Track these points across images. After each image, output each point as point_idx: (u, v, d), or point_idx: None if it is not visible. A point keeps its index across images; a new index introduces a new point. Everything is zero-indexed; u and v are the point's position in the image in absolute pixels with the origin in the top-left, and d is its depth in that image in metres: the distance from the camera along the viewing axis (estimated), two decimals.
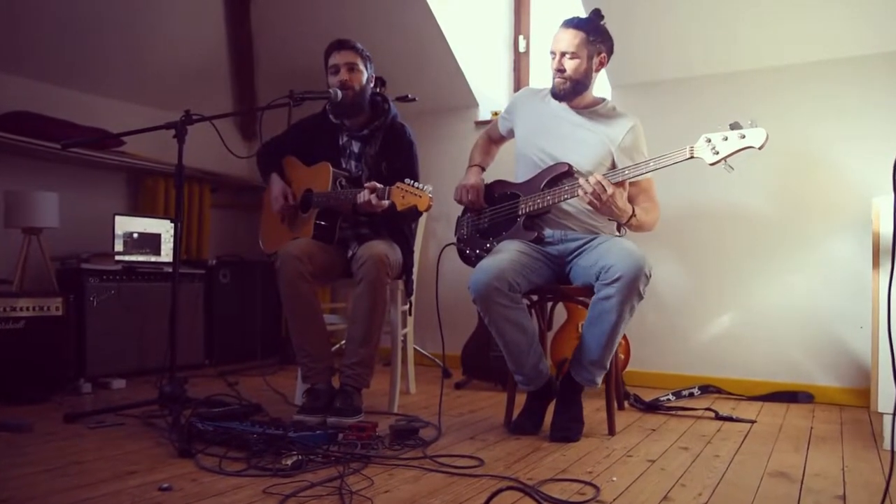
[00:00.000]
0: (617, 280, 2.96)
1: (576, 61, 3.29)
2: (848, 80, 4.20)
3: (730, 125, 2.89)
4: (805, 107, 4.30)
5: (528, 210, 3.36)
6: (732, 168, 2.88)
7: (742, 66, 4.46)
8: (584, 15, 3.40)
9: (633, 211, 3.12)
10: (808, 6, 4.11)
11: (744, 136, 2.85)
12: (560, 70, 3.31)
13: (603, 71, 4.72)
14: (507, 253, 3.22)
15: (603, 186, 3.00)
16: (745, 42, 4.38)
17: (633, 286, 2.96)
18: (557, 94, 3.38)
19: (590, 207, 3.22)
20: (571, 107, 3.42)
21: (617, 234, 3.49)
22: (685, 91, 4.63)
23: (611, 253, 3.06)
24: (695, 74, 4.61)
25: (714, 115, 2.93)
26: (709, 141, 2.91)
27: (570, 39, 3.27)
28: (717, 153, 2.89)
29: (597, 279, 3.05)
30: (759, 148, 2.83)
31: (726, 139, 2.88)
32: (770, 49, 4.34)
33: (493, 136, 3.86)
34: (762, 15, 4.22)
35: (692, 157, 2.95)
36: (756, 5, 4.21)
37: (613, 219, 3.20)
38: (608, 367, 3.22)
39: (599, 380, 3.22)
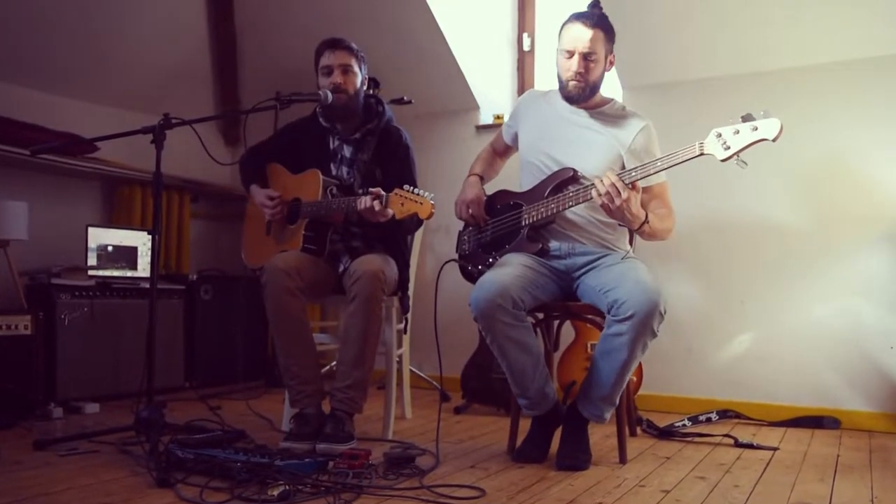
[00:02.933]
0: (629, 318, 2.96)
1: (596, 64, 3.32)
2: (878, 80, 4.22)
3: (741, 117, 2.89)
4: (833, 110, 4.32)
5: (531, 220, 3.37)
6: (746, 164, 2.88)
7: (764, 67, 4.48)
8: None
9: (647, 217, 3.12)
10: (835, 3, 4.14)
11: (756, 129, 2.84)
12: (581, 72, 3.32)
13: (613, 71, 4.77)
14: (511, 267, 3.23)
15: (618, 189, 2.99)
16: (768, 41, 4.40)
17: (647, 325, 2.96)
18: (573, 98, 3.40)
19: (600, 216, 3.24)
20: (579, 108, 3.44)
21: (629, 248, 3.50)
22: (701, 93, 4.66)
23: (624, 283, 3.05)
24: (712, 75, 4.63)
25: (733, 119, 2.93)
26: (719, 135, 2.91)
27: (594, 40, 3.28)
28: (729, 148, 2.88)
29: (608, 312, 3.07)
30: (773, 140, 2.82)
31: (738, 132, 2.88)
32: (795, 48, 4.37)
33: (498, 148, 3.88)
34: (786, 12, 4.25)
35: (702, 154, 2.95)
36: (780, 2, 4.23)
37: (625, 224, 3.20)
38: (617, 402, 3.23)
39: (607, 416, 3.24)
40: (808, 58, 4.37)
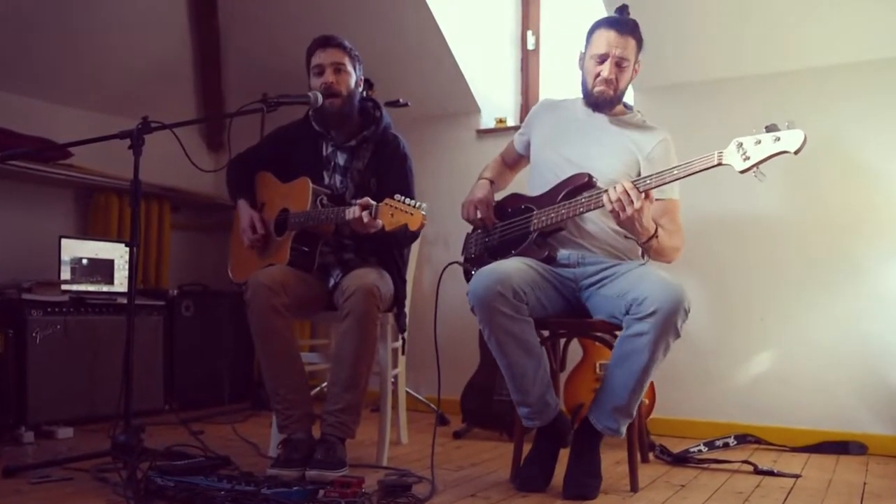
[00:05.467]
0: (652, 314, 2.97)
1: (628, 71, 3.42)
2: None
3: (765, 127, 2.89)
4: (858, 112, 4.34)
5: (540, 226, 3.39)
6: (765, 176, 2.88)
7: (781, 67, 4.51)
8: (604, 11, 3.44)
9: (656, 231, 3.15)
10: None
11: (778, 140, 2.84)
12: (611, 79, 3.39)
13: None
14: (513, 262, 3.27)
15: (630, 197, 3.02)
16: (786, 40, 4.44)
17: (670, 322, 2.97)
18: (599, 104, 3.46)
19: (614, 225, 3.27)
20: (598, 113, 3.51)
21: (643, 259, 3.52)
22: (715, 95, 4.68)
23: (644, 282, 3.08)
24: (726, 76, 4.66)
25: (753, 121, 2.93)
26: (740, 145, 2.91)
27: (630, 48, 3.39)
28: (748, 159, 2.89)
29: (626, 312, 3.07)
30: (795, 153, 2.82)
31: (759, 143, 2.88)
32: (818, 47, 4.39)
33: (508, 159, 3.94)
34: (807, 9, 4.28)
35: (720, 164, 2.96)
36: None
37: (633, 235, 3.22)
38: (634, 414, 3.23)
39: (624, 429, 3.22)
40: (824, 58, 4.39)
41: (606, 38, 3.37)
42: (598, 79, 3.40)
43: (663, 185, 3.11)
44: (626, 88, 3.49)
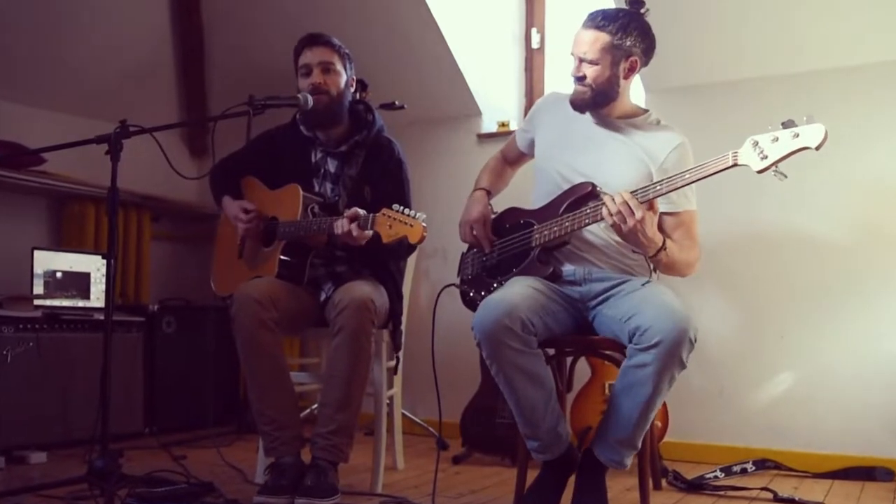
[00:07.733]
0: (655, 346, 2.93)
1: (595, 68, 3.30)
2: None
3: (782, 124, 2.86)
4: (884, 114, 4.34)
5: (542, 241, 3.36)
6: (785, 176, 2.85)
7: (805, 67, 4.52)
8: (612, 4, 3.39)
9: (664, 244, 3.12)
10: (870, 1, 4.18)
11: (797, 136, 2.80)
12: (579, 77, 3.34)
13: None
14: (519, 288, 3.22)
15: (630, 208, 2.98)
16: (798, 40, 4.45)
17: (675, 354, 2.93)
18: (575, 104, 3.40)
19: (618, 238, 3.25)
20: (603, 115, 3.45)
21: (653, 275, 3.50)
22: (735, 96, 4.70)
23: (647, 308, 3.04)
24: (747, 76, 4.67)
25: (771, 123, 2.92)
26: (756, 144, 2.88)
27: (590, 42, 3.28)
28: (766, 157, 2.85)
29: (630, 340, 3.05)
30: (816, 148, 2.79)
31: (776, 140, 2.84)
32: (839, 46, 4.40)
33: (510, 156, 3.89)
34: (829, 5, 4.29)
35: (736, 165, 2.93)
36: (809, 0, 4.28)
37: (638, 249, 3.20)
38: (639, 446, 3.20)
39: (628, 461, 3.20)
40: (846, 57, 4.40)
41: (575, 34, 3.34)
42: (573, 78, 3.37)
43: (672, 191, 3.07)
44: (605, 86, 3.33)
